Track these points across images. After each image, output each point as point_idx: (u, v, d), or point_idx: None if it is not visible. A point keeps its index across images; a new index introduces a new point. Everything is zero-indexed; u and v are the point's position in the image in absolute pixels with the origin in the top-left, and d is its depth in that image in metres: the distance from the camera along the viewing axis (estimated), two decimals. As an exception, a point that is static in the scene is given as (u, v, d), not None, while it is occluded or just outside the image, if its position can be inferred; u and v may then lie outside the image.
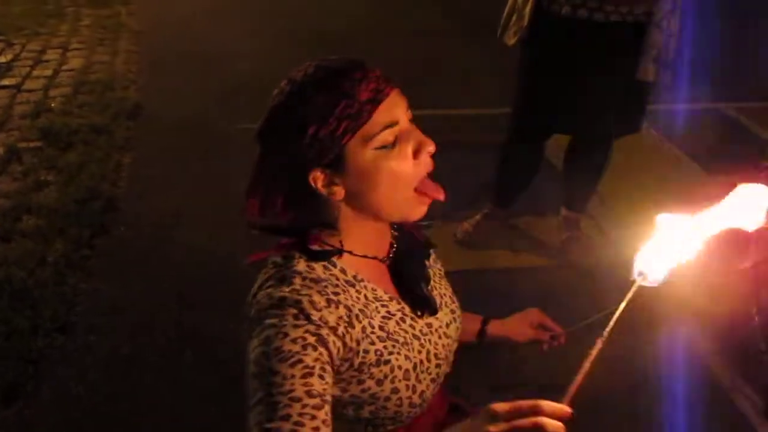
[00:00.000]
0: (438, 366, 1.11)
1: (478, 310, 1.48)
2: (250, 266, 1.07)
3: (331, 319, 0.97)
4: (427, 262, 1.18)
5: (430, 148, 1.02)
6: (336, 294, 1.00)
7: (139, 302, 2.82)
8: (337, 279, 1.03)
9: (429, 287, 1.14)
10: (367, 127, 0.98)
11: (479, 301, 1.54)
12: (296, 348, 0.91)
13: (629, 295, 0.89)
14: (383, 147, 0.99)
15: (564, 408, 0.76)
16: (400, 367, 1.04)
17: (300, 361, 0.90)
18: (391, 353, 1.03)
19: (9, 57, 5.36)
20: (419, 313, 1.11)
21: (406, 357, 1.05)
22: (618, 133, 2.95)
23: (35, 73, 5.11)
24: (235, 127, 3.86)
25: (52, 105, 4.56)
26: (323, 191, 1.02)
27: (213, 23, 6.03)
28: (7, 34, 5.76)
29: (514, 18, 2.78)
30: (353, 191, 1.02)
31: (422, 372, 1.07)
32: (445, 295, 1.20)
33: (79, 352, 2.57)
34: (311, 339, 0.93)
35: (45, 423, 2.30)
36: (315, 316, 0.95)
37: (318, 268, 1.02)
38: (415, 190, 1.03)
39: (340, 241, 1.06)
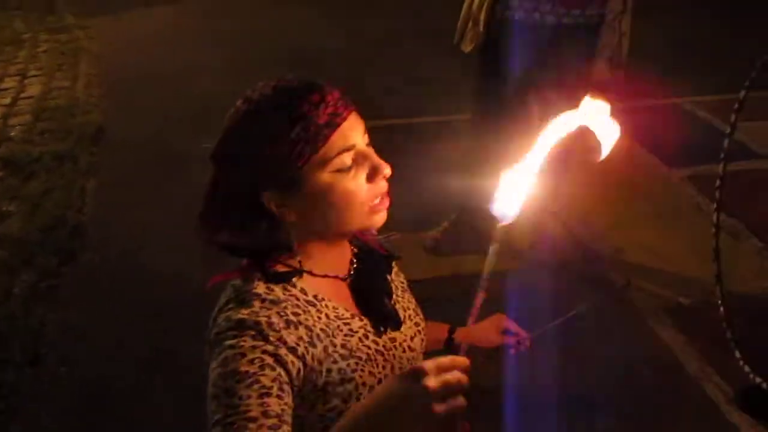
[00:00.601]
0: (403, 380, 1.12)
1: (448, 317, 1.49)
2: (211, 289, 1.07)
3: (290, 340, 0.97)
4: (389, 277, 1.18)
5: (386, 171, 1.03)
6: (296, 315, 1.01)
7: (109, 329, 2.79)
8: (297, 300, 1.03)
9: (391, 302, 1.15)
10: (323, 150, 0.98)
11: (450, 308, 1.55)
12: (253, 368, 0.92)
13: (495, 243, 0.97)
14: (339, 170, 1.00)
15: (465, 360, 0.83)
16: (364, 384, 1.04)
17: (257, 381, 0.91)
18: (354, 371, 1.04)
19: (-34, 87, 5.29)
20: (382, 329, 1.11)
21: (370, 373, 1.05)
22: (578, 133, 3.00)
23: (-7, 102, 5.04)
24: (199, 146, 3.83)
25: (12, 134, 4.49)
26: (277, 213, 1.02)
27: (174, 43, 6.00)
28: (-37, 64, 5.67)
29: (470, 24, 2.82)
30: (308, 213, 1.03)
31: None
32: (408, 308, 1.21)
33: (50, 384, 2.53)
34: (269, 359, 0.93)
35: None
36: (273, 337, 0.96)
37: (277, 289, 1.03)
38: (370, 208, 1.04)
39: (299, 262, 1.06)
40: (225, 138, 1.02)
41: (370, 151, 1.04)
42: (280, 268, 1.05)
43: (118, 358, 2.64)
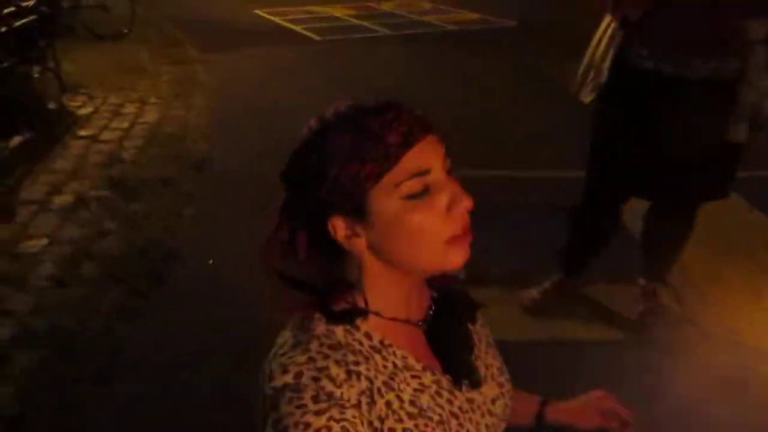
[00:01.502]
0: (481, 450, 0.94)
1: (541, 386, 1.30)
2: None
3: (353, 397, 0.83)
4: (471, 327, 1.02)
5: (467, 203, 0.88)
6: (357, 363, 0.86)
7: (187, 356, 2.72)
8: (361, 345, 0.89)
9: (472, 356, 0.99)
10: (393, 172, 0.85)
11: (543, 377, 1.38)
12: None
13: None
14: (410, 197, 0.86)
15: None
16: None
17: None
18: None
19: (90, 109, 5.56)
20: (459, 386, 0.95)
21: None
22: (703, 199, 2.73)
23: (112, 125, 5.27)
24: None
25: (125, 156, 4.66)
26: (343, 241, 0.89)
27: (285, 81, 6.14)
28: (90, 88, 6.00)
29: (591, 74, 2.64)
30: (376, 243, 0.89)
31: None
32: (492, 365, 1.04)
33: (121, 404, 2.48)
34: (336, 427, 0.79)
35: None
36: (337, 393, 0.81)
37: (339, 331, 0.88)
38: (446, 242, 0.88)
39: (366, 301, 0.92)
40: (294, 157, 0.93)
41: (450, 180, 0.89)
42: (344, 307, 0.91)
43: (193, 386, 2.56)
